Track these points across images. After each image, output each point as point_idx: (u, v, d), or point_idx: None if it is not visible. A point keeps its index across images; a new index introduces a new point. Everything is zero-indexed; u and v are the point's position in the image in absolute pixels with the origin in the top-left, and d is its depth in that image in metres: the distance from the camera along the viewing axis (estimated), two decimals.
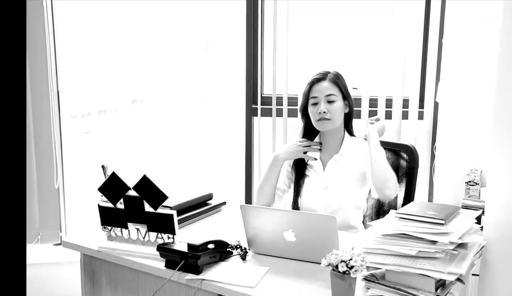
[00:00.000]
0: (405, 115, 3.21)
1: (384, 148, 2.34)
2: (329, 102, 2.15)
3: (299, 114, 2.30)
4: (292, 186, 2.32)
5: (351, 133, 2.28)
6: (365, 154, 2.20)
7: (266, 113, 3.37)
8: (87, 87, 3.79)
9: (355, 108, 3.19)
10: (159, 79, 3.80)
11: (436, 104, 3.11)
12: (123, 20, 3.72)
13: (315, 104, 2.17)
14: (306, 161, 2.28)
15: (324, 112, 2.15)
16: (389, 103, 3.22)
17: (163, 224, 1.83)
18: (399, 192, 2.33)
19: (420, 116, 3.20)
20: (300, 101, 2.29)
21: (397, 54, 3.18)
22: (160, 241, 1.84)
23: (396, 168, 2.34)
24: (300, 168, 2.29)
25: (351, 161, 2.21)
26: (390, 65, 3.20)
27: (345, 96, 2.20)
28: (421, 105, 3.20)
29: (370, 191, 2.26)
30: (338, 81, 2.19)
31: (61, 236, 3.59)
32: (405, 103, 3.21)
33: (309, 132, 2.27)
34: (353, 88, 3.28)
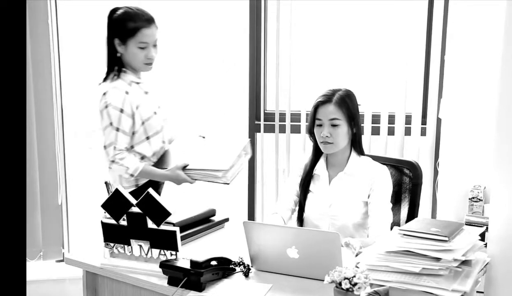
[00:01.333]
0: (407, 131, 3.22)
1: (388, 164, 2.34)
2: (333, 125, 2.15)
3: (308, 133, 2.30)
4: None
5: (360, 152, 2.26)
6: (370, 175, 2.19)
7: (269, 129, 3.38)
8: (91, 103, 3.80)
9: None
10: (161, 95, 3.80)
11: (438, 120, 3.12)
12: None
13: (320, 125, 2.18)
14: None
15: (327, 136, 2.15)
16: (391, 119, 3.23)
17: (166, 241, 1.82)
18: (403, 208, 2.33)
19: (423, 132, 3.20)
20: (308, 121, 2.30)
21: (400, 70, 3.19)
22: (162, 258, 1.84)
23: (399, 184, 2.34)
24: (306, 183, 2.29)
25: (356, 180, 2.20)
26: (393, 81, 3.21)
27: (351, 118, 2.17)
28: (424, 121, 3.21)
29: None
30: (343, 104, 2.15)
31: (63, 253, 3.58)
32: (408, 119, 3.21)
33: (319, 151, 2.27)
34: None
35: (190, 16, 3.62)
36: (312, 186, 2.28)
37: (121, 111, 2.38)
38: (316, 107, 2.17)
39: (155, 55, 2.43)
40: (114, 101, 2.36)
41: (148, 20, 2.35)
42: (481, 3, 2.75)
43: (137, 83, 2.46)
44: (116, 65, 2.45)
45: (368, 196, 2.18)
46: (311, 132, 2.23)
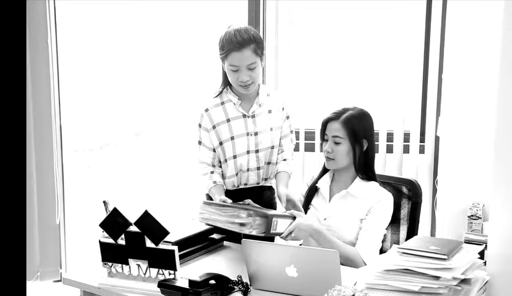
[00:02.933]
0: (406, 149, 3.23)
1: (387, 183, 2.34)
2: (336, 143, 2.18)
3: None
4: None
5: (367, 175, 2.24)
6: (372, 200, 2.18)
7: None
8: (89, 121, 3.82)
9: None
10: (161, 113, 3.82)
11: (437, 138, 3.13)
12: (126, 53, 3.77)
13: (326, 141, 2.22)
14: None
15: (328, 151, 2.20)
16: (390, 137, 3.24)
17: (164, 260, 1.81)
18: (402, 226, 2.32)
19: (421, 150, 3.21)
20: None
21: (398, 88, 3.21)
22: (161, 277, 1.83)
23: (398, 203, 2.33)
24: (308, 197, 2.32)
25: (359, 202, 2.20)
26: (391, 99, 3.22)
27: (355, 138, 2.17)
28: (422, 139, 3.22)
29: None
30: (349, 122, 2.16)
31: (61, 273, 3.56)
32: (406, 137, 3.22)
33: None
34: None
35: (188, 17, 3.63)
36: (314, 200, 2.30)
37: (199, 126, 2.46)
38: (325, 123, 2.22)
39: (250, 78, 2.33)
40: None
41: (240, 44, 2.28)
42: (477, 24, 2.78)
43: (234, 103, 2.44)
44: (225, 82, 2.45)
45: (366, 215, 2.18)
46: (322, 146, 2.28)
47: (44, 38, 3.38)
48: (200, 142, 2.47)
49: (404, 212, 2.32)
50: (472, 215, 2.79)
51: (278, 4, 3.30)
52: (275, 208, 2.60)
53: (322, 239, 2.08)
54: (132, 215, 1.88)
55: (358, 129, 2.17)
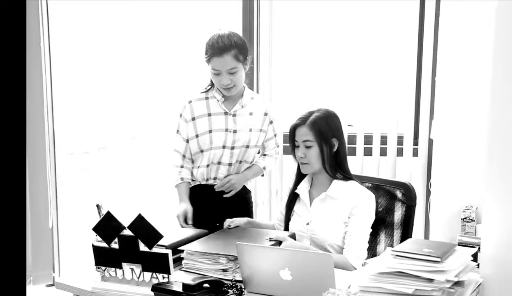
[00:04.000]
0: (399, 152, 3.23)
1: (380, 187, 2.35)
2: (306, 147, 2.20)
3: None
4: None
5: (344, 176, 2.24)
6: (354, 200, 2.18)
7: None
8: (84, 124, 3.81)
9: (351, 145, 3.26)
10: (157, 116, 3.81)
11: (430, 141, 3.14)
12: (121, 56, 3.76)
13: (298, 147, 2.23)
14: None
15: (301, 156, 2.21)
16: (384, 140, 3.25)
17: (158, 264, 1.81)
18: (396, 230, 2.32)
19: (415, 153, 3.22)
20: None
21: (392, 91, 3.22)
22: (154, 281, 1.82)
23: (392, 206, 2.34)
24: (289, 204, 2.33)
25: (339, 203, 2.20)
26: (385, 102, 3.23)
27: (324, 139, 2.18)
28: (416, 142, 3.23)
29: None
30: (316, 125, 2.18)
31: (54, 277, 3.54)
32: (400, 140, 3.23)
33: (300, 172, 2.30)
34: (348, 125, 3.31)
35: (183, 19, 3.63)
36: (296, 207, 2.31)
37: (180, 115, 2.55)
38: (293, 130, 2.23)
39: (232, 82, 2.44)
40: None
41: (221, 49, 2.39)
42: (470, 28, 2.80)
43: (218, 100, 2.53)
44: (212, 81, 2.54)
45: (348, 218, 2.18)
46: (293, 151, 2.28)
47: (37, 40, 3.37)
48: (177, 131, 2.58)
49: (398, 215, 2.33)
50: (465, 218, 2.80)
51: (272, 4, 3.31)
52: (251, 207, 2.70)
53: None
54: (125, 218, 1.87)
55: (326, 129, 2.19)
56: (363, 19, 3.30)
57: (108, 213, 1.86)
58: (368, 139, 3.26)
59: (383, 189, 2.35)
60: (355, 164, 3.27)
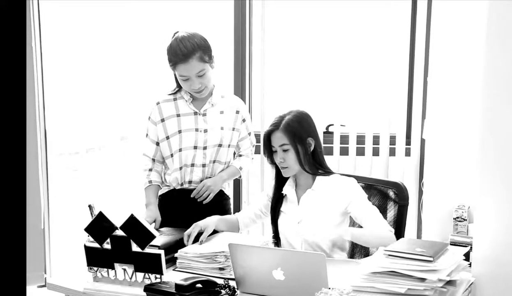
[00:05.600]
0: (392, 152, 3.24)
1: (373, 186, 2.35)
2: (284, 150, 2.20)
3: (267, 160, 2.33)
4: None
5: (324, 171, 2.27)
6: (341, 189, 2.21)
7: (255, 150, 3.38)
8: (74, 124, 3.79)
9: (344, 145, 3.26)
10: (147, 117, 3.79)
11: (422, 141, 3.15)
12: (112, 56, 3.75)
13: (275, 151, 2.23)
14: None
15: (281, 161, 2.21)
16: (376, 140, 3.25)
17: (150, 264, 1.80)
18: None
19: (407, 152, 3.23)
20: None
21: (384, 91, 3.23)
22: (147, 282, 1.81)
23: (385, 206, 2.34)
24: (275, 205, 2.32)
25: (325, 197, 2.22)
26: (377, 102, 3.24)
27: (299, 139, 2.19)
28: (408, 142, 3.23)
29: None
30: (289, 127, 2.19)
31: (45, 278, 3.52)
32: (392, 140, 3.24)
33: (281, 175, 2.30)
34: (341, 125, 3.31)
35: (174, 19, 3.62)
36: (283, 207, 2.31)
37: (149, 118, 2.52)
38: (268, 137, 2.23)
39: (202, 85, 2.40)
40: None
41: (185, 55, 2.33)
42: (462, 28, 2.80)
43: (186, 100, 2.50)
44: (179, 85, 2.50)
45: (345, 210, 2.20)
46: (269, 157, 2.28)
47: (28, 40, 3.35)
48: (146, 135, 2.54)
49: (391, 214, 2.33)
50: (457, 217, 2.81)
51: (264, 4, 3.31)
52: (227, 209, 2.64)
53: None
54: (118, 219, 1.87)
55: (300, 130, 2.20)
56: (355, 20, 3.30)
57: (100, 214, 1.85)
58: (360, 139, 3.26)
59: (376, 189, 2.36)
60: (347, 164, 3.28)
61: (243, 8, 3.40)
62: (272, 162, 2.28)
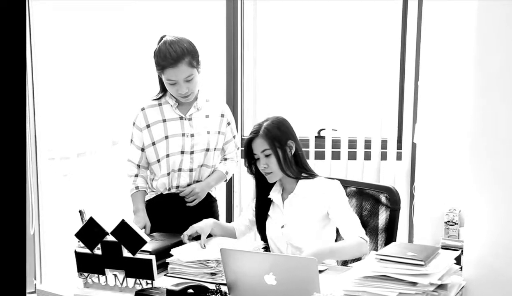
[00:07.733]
0: (383, 156, 3.25)
1: (365, 191, 2.36)
2: (266, 156, 2.22)
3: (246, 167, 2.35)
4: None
5: (308, 174, 2.29)
6: (323, 192, 2.23)
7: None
8: (65, 129, 3.77)
9: (335, 149, 3.27)
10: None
11: (414, 145, 3.16)
12: (103, 61, 3.73)
13: (258, 159, 2.25)
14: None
15: (265, 167, 2.23)
16: (368, 144, 3.26)
17: (141, 270, 1.79)
18: (381, 234, 2.33)
19: (399, 156, 3.24)
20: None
21: (375, 96, 3.24)
22: (138, 287, 1.81)
23: (376, 210, 2.34)
24: (261, 210, 2.34)
25: (308, 201, 2.24)
26: (369, 106, 3.25)
27: (278, 144, 2.21)
28: (399, 146, 3.24)
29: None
30: (268, 133, 2.21)
31: (35, 284, 3.50)
32: (384, 144, 3.25)
33: (263, 182, 2.32)
34: (332, 129, 3.32)
35: (166, 22, 3.61)
36: (270, 211, 2.33)
37: (133, 124, 2.51)
38: (249, 145, 2.25)
39: (189, 90, 2.40)
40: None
41: (174, 59, 2.32)
42: (453, 32, 2.82)
43: (171, 105, 2.49)
44: (163, 89, 2.49)
45: (327, 213, 2.22)
46: (250, 166, 2.30)
47: None
48: (131, 141, 2.53)
49: (383, 219, 2.34)
50: (448, 221, 2.82)
51: (256, 4, 3.32)
52: (217, 216, 2.65)
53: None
54: (108, 224, 1.86)
55: (279, 135, 2.23)
56: (346, 23, 3.31)
57: (91, 219, 1.84)
58: (352, 144, 3.27)
59: (368, 193, 2.37)
60: (339, 168, 3.28)
61: (235, 9, 3.40)
62: (252, 172, 2.31)
